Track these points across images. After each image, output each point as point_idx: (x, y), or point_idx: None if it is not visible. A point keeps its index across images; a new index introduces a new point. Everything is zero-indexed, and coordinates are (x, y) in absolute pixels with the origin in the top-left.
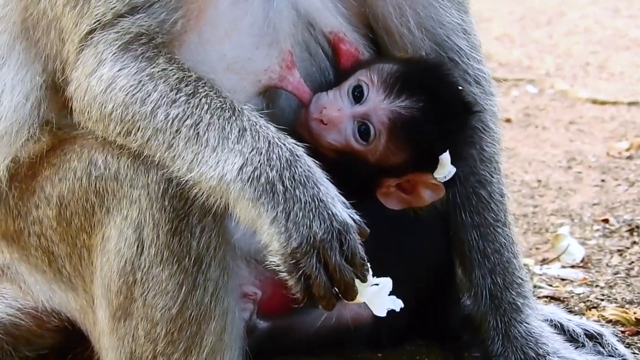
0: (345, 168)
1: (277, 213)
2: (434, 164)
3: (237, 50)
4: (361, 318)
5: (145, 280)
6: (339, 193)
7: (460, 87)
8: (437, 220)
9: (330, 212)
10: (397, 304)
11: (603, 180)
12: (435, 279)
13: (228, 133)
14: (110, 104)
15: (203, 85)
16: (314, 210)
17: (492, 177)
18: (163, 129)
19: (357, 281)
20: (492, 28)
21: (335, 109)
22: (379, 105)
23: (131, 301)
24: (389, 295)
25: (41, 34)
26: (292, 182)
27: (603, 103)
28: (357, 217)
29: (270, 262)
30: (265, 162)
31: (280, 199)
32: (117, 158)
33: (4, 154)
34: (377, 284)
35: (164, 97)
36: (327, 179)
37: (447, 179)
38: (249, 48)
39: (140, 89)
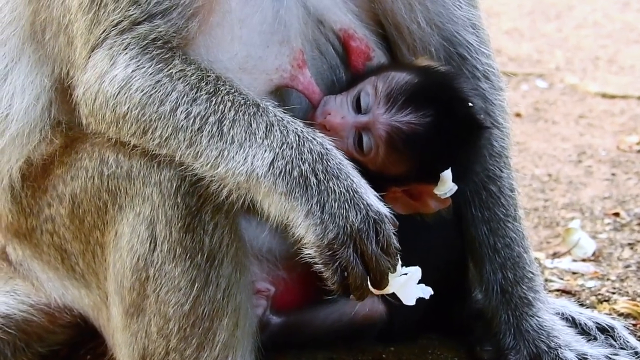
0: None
1: (311, 205)
2: (436, 179)
3: (248, 50)
4: (376, 312)
5: (158, 276)
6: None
7: (470, 104)
8: (450, 215)
9: (365, 202)
10: (427, 292)
11: (613, 174)
12: (448, 273)
13: (255, 129)
14: (126, 105)
15: (223, 83)
16: (349, 200)
17: (502, 171)
18: (184, 127)
19: None
20: (501, 22)
21: (339, 117)
22: (379, 118)
23: (144, 297)
24: (418, 283)
25: (50, 37)
26: (325, 175)
27: (613, 97)
28: (387, 209)
29: (305, 254)
30: (297, 155)
31: (314, 191)
32: (129, 156)
33: (16, 155)
34: (405, 274)
35: (183, 96)
36: (357, 171)
37: (447, 195)
38: (260, 47)
39: (158, 89)
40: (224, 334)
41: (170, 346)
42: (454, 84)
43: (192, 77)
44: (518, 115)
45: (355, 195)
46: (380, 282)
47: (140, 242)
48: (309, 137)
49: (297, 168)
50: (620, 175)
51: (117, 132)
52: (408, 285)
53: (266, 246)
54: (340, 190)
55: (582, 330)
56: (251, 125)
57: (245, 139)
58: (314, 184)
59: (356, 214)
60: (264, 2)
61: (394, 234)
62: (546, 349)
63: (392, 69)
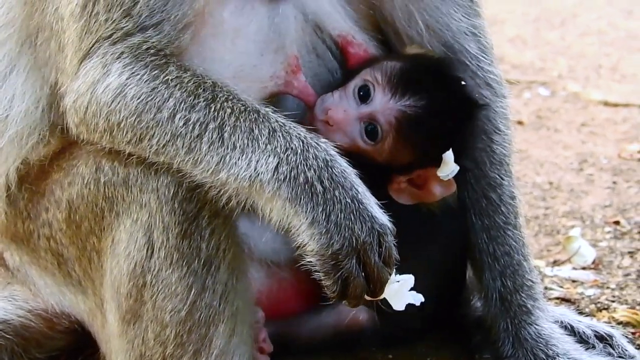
0: (354, 168)
1: (316, 214)
2: (439, 161)
3: (243, 59)
4: (361, 317)
5: (155, 282)
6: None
7: (463, 83)
8: (451, 222)
9: (370, 214)
10: (418, 299)
11: (615, 182)
12: (449, 280)
13: (257, 135)
14: (120, 113)
15: (221, 89)
16: (355, 212)
17: (503, 179)
18: (182, 134)
19: None
20: (505, 29)
21: (341, 110)
22: (386, 105)
23: (141, 304)
24: (410, 290)
25: (42, 42)
26: (331, 183)
27: (615, 105)
28: (389, 220)
29: (307, 262)
30: (302, 161)
31: (319, 199)
32: (125, 164)
33: (14, 156)
34: (398, 281)
35: (181, 102)
36: (360, 178)
37: (449, 177)
38: (254, 55)
39: (154, 96)
40: (220, 340)
41: (167, 352)
42: (445, 65)
43: (189, 84)
44: (520, 122)
45: (361, 206)
46: (379, 292)
47: (137, 248)
48: (313, 143)
49: (303, 174)
50: (622, 184)
51: (110, 140)
52: (400, 292)
53: (264, 252)
54: (346, 201)
55: (581, 339)
56: (253, 131)
57: (248, 144)
58: (319, 192)
59: (362, 227)
60: (259, 11)
61: (394, 244)
62: (544, 357)
63: (385, 59)
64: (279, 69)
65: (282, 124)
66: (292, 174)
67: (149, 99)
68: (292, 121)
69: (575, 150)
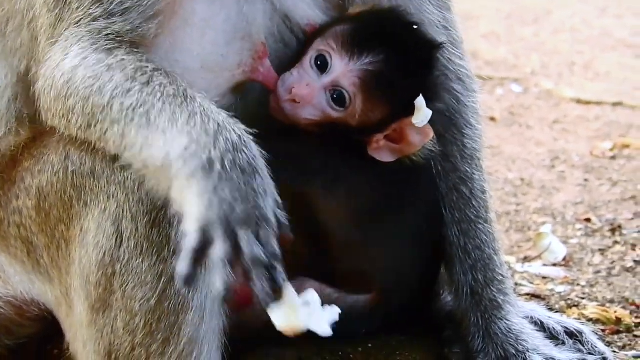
0: (330, 139)
1: (207, 187)
2: (412, 109)
3: (210, 48)
4: None
5: (125, 272)
6: (276, 191)
7: (416, 27)
8: (426, 216)
9: (259, 203)
10: (335, 312)
11: (586, 180)
12: (423, 275)
13: (178, 117)
14: (72, 96)
15: (159, 75)
16: (244, 195)
17: (474, 173)
18: (118, 119)
19: (286, 304)
20: (479, 26)
21: (304, 85)
22: (347, 68)
23: (110, 293)
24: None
25: (12, 30)
26: (232, 165)
27: (588, 103)
28: (283, 220)
29: (181, 232)
30: (211, 143)
31: (215, 177)
32: (92, 155)
33: None
34: (306, 301)
35: (119, 87)
36: (269, 174)
37: (424, 123)
38: (222, 45)
39: (97, 80)
40: (189, 329)
41: (136, 341)
42: (395, 14)
43: (129, 68)
44: (492, 119)
45: (251, 193)
46: (268, 282)
47: (106, 237)
48: (229, 128)
49: (207, 153)
50: (593, 181)
51: (67, 126)
52: (315, 313)
53: None
54: (240, 184)
55: (551, 335)
56: (175, 114)
57: (168, 126)
58: (216, 171)
59: (243, 208)
60: (228, 1)
61: (276, 244)
62: (514, 352)
63: (333, 25)
64: (247, 56)
65: (204, 108)
66: (197, 153)
67: (93, 81)
68: (217, 106)
69: (547, 147)
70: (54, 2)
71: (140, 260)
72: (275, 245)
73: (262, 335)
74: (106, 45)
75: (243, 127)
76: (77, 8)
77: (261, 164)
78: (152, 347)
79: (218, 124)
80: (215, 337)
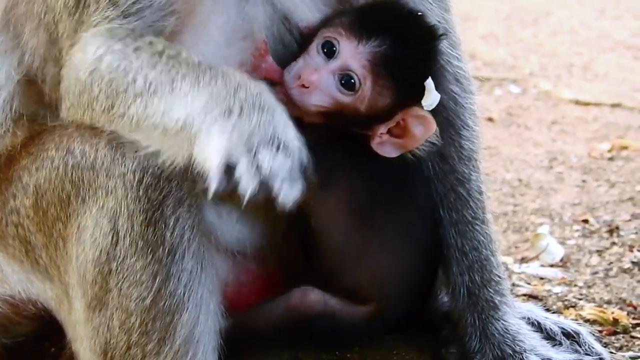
0: (333, 133)
1: (226, 128)
2: (419, 94)
3: (213, 49)
4: (309, 301)
5: (120, 270)
6: (300, 133)
7: (420, 14)
8: (422, 219)
9: (276, 133)
10: None
11: (584, 181)
12: (423, 275)
13: (201, 79)
14: (96, 83)
15: (185, 51)
16: (263, 128)
17: (471, 174)
18: (141, 92)
19: None
20: (477, 27)
21: (312, 70)
22: (355, 51)
23: (106, 291)
24: None
25: (26, 31)
26: (250, 109)
27: (586, 104)
28: (305, 152)
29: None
30: (231, 95)
31: (235, 117)
32: (95, 147)
33: None
34: None
35: (145, 63)
36: (290, 120)
37: (433, 106)
38: (224, 46)
39: (123, 61)
40: (184, 329)
41: (132, 340)
42: (397, 4)
43: (158, 47)
44: (491, 119)
45: (271, 127)
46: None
47: (102, 235)
48: (249, 85)
49: (226, 103)
50: (591, 182)
51: (92, 115)
52: None
53: (230, 242)
54: (258, 121)
55: (548, 335)
56: (198, 78)
57: (190, 90)
58: (235, 114)
59: (264, 134)
60: (230, 1)
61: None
62: (511, 352)
63: (337, 15)
64: (248, 54)
65: (228, 71)
66: (218, 104)
67: (119, 63)
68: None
69: (545, 148)
70: (74, 6)
71: (136, 258)
72: (305, 157)
73: (259, 335)
74: (128, 34)
75: (265, 86)
76: (95, 11)
77: (280, 108)
78: (147, 346)
79: (238, 82)
80: (211, 338)
